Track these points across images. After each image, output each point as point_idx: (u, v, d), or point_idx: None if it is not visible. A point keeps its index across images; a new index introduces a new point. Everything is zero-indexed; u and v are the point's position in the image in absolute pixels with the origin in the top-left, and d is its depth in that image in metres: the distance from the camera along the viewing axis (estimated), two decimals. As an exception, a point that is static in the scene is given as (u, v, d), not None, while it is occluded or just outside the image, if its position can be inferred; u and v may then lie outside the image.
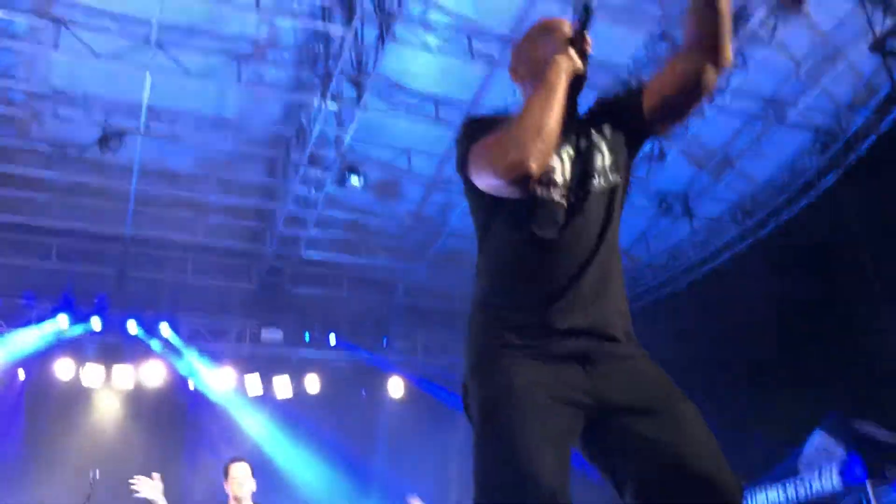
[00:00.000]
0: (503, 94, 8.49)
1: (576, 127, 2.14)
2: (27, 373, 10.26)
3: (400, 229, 11.59)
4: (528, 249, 2.04)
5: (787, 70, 9.21)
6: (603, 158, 2.13)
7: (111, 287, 10.65)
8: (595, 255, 2.05)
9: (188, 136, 9.41)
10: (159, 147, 9.48)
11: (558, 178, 2.06)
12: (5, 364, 9.92)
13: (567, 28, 2.14)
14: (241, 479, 5.70)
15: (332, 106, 8.68)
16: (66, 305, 10.17)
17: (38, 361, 10.19)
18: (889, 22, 8.10)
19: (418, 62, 8.82)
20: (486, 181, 2.00)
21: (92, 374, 10.40)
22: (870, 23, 7.84)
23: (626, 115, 2.18)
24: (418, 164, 10.25)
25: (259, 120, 9.64)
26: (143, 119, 8.91)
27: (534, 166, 1.87)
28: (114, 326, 10.43)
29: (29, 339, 10.05)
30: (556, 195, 2.05)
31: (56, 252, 10.57)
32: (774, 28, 8.48)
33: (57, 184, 9.84)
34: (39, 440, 9.99)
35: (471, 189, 2.12)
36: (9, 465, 9.61)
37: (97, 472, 6.39)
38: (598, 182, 2.09)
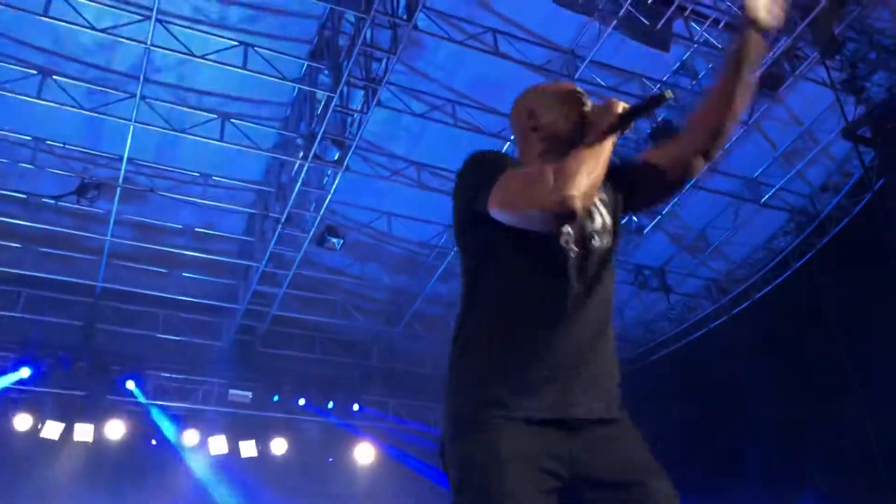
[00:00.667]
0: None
1: None
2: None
3: (376, 292, 11.55)
4: (535, 302, 1.97)
5: (765, 152, 9.43)
6: (602, 219, 2.10)
7: (78, 339, 10.42)
8: (605, 321, 2.05)
9: (168, 190, 9.38)
10: (137, 199, 9.42)
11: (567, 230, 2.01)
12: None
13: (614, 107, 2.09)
14: None
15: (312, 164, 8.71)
16: (29, 358, 9.93)
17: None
18: (860, 110, 8.36)
19: (402, 126, 8.94)
20: (519, 211, 1.89)
21: (52, 428, 10.08)
22: (842, 110, 8.07)
23: (624, 183, 2.18)
24: (398, 227, 10.27)
25: (239, 175, 9.63)
26: (122, 171, 8.88)
27: (579, 203, 1.82)
28: (77, 380, 10.16)
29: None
30: (572, 246, 2.01)
31: (24, 300, 10.35)
32: (752, 112, 8.70)
33: (30, 231, 9.70)
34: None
35: (472, 226, 2.02)
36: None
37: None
38: (598, 242, 2.05)
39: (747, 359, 9.76)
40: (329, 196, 9.16)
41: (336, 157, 8.73)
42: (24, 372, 9.85)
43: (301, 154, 8.74)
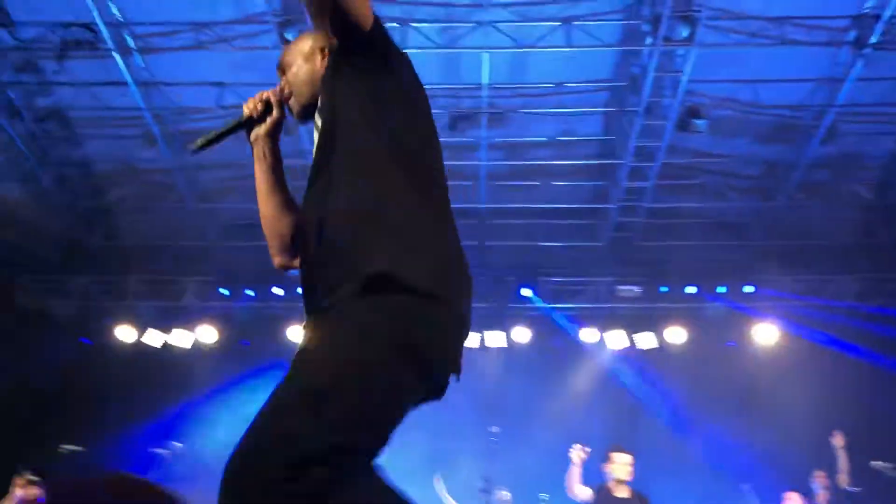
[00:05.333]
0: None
1: None
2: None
3: (749, 167, 10.91)
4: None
5: None
6: None
7: (475, 258, 11.51)
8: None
9: (526, 106, 9.79)
10: (501, 121, 9.98)
11: None
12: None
13: None
14: (627, 467, 6.40)
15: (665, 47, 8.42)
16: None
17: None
18: None
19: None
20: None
21: (469, 338, 11.35)
22: None
23: None
24: (765, 94, 9.53)
25: (590, 77, 9.67)
26: (484, 98, 9.46)
27: None
28: (481, 294, 11.27)
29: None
30: None
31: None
32: None
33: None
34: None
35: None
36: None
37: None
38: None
39: None
40: (685, 77, 8.82)
41: (686, 35, 8.34)
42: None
43: (649, 41, 8.51)
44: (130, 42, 8.80)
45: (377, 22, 1.95)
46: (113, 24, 8.56)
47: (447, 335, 1.85)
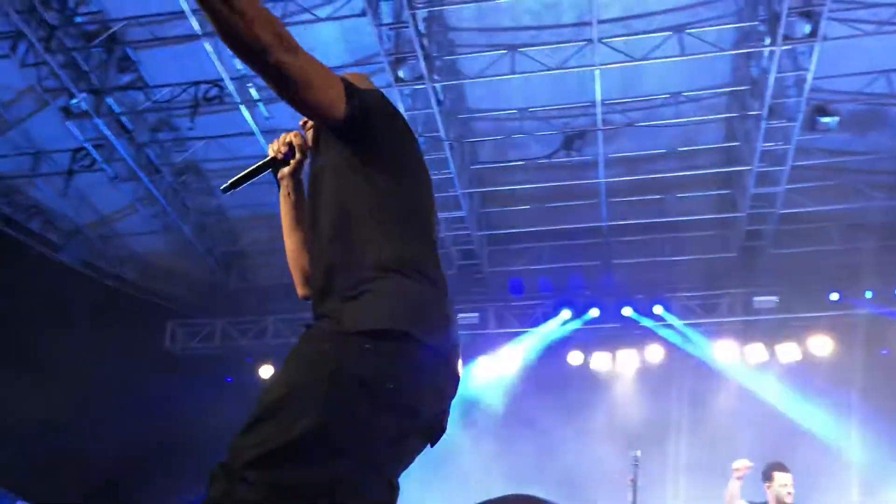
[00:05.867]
0: None
1: None
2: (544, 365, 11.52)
3: (889, 162, 10.22)
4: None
5: None
6: None
7: (601, 277, 11.33)
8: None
9: (643, 119, 9.60)
10: (617, 136, 9.83)
11: None
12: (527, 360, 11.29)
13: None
14: (788, 487, 6.19)
15: (785, 47, 8.07)
16: (567, 301, 11.18)
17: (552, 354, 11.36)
18: None
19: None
20: None
21: (599, 360, 11.21)
22: None
23: None
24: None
25: (707, 84, 9.39)
26: (598, 115, 9.35)
27: None
28: (608, 313, 11.11)
29: (541, 335, 11.28)
30: None
31: (543, 254, 11.63)
32: None
33: (534, 192, 10.81)
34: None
35: None
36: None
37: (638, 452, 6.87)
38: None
39: None
40: (809, 74, 8.41)
41: (808, 31, 7.97)
42: (565, 314, 11.14)
43: (767, 40, 8.18)
44: (254, 94, 9.26)
45: (353, 98, 1.99)
46: (237, 78, 9.04)
47: (411, 371, 1.85)
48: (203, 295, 12.38)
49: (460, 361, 2.03)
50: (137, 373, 10.78)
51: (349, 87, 1.99)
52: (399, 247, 1.98)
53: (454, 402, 2.05)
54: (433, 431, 1.99)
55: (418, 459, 2.01)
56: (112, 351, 10.49)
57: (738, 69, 9.24)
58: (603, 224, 11.10)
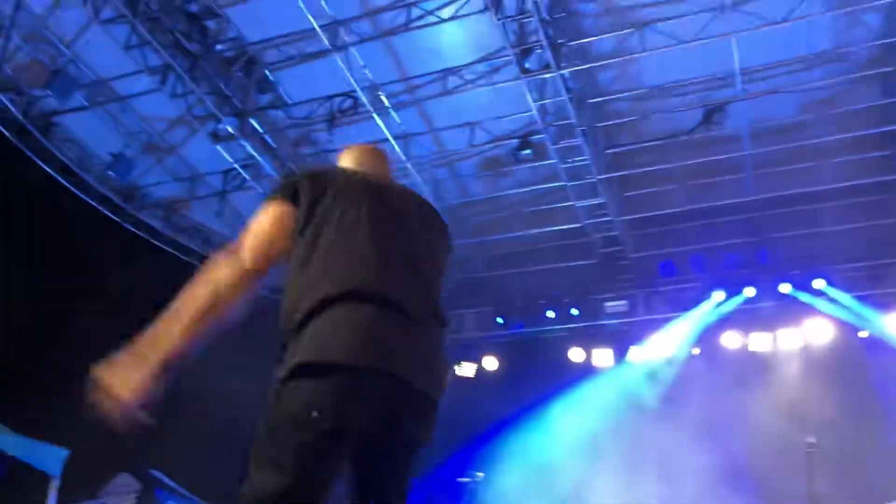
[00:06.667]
0: None
1: None
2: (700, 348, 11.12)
3: None
4: None
5: None
6: None
7: (754, 254, 10.79)
8: None
9: (787, 84, 9.05)
10: (758, 106, 9.32)
11: None
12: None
13: None
14: None
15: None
16: (720, 281, 10.74)
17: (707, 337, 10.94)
18: None
19: None
20: None
21: (758, 341, 10.69)
22: None
23: None
24: None
25: (858, 38, 8.72)
26: (739, 85, 8.89)
27: None
28: (767, 292, 10.57)
29: (695, 318, 10.88)
30: None
31: (694, 233, 11.21)
32: None
33: (676, 171, 10.43)
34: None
35: None
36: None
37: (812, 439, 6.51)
38: None
39: None
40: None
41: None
42: (719, 295, 10.70)
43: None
44: (385, 102, 9.45)
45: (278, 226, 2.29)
46: (368, 87, 9.26)
47: (332, 392, 2.00)
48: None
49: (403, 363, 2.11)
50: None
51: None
52: (316, 291, 2.13)
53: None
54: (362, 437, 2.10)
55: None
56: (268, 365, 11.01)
57: (891, 17, 8.52)
58: (752, 198, 10.57)
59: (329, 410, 1.97)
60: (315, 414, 1.96)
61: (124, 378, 2.02)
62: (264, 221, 2.29)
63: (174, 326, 2.10)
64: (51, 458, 8.64)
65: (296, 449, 1.96)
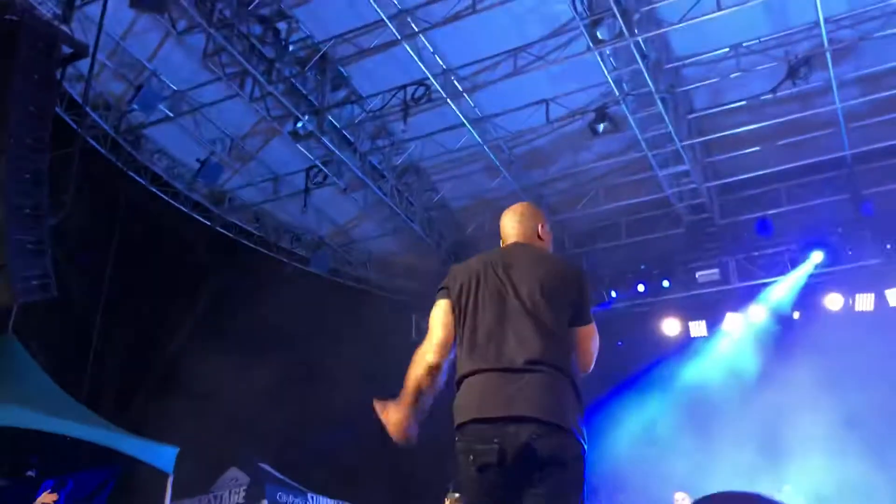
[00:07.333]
0: None
1: None
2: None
3: None
4: None
5: None
6: None
7: (852, 212, 10.31)
8: None
9: (878, 30, 8.56)
10: (846, 55, 8.87)
11: None
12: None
13: None
14: None
15: None
16: (817, 241, 10.33)
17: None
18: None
19: None
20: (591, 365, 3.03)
21: (863, 301, 10.28)
22: None
23: None
24: None
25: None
26: (823, 35, 8.49)
27: None
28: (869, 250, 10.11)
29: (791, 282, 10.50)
30: None
31: (784, 196, 10.80)
32: None
33: (763, 132, 10.04)
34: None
35: (572, 320, 2.92)
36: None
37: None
38: None
39: None
40: None
41: None
42: (817, 256, 10.28)
43: None
44: (458, 86, 9.44)
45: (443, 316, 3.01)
46: (440, 74, 9.26)
47: (468, 441, 2.75)
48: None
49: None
50: (384, 367, 11.45)
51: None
52: (465, 368, 2.88)
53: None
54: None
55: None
56: (364, 350, 11.24)
57: None
58: (846, 153, 10.10)
59: (470, 453, 2.71)
60: (470, 458, 2.69)
61: (388, 416, 2.92)
62: (433, 319, 3.02)
63: (405, 394, 2.94)
64: (164, 455, 9.04)
65: (465, 483, 2.75)
